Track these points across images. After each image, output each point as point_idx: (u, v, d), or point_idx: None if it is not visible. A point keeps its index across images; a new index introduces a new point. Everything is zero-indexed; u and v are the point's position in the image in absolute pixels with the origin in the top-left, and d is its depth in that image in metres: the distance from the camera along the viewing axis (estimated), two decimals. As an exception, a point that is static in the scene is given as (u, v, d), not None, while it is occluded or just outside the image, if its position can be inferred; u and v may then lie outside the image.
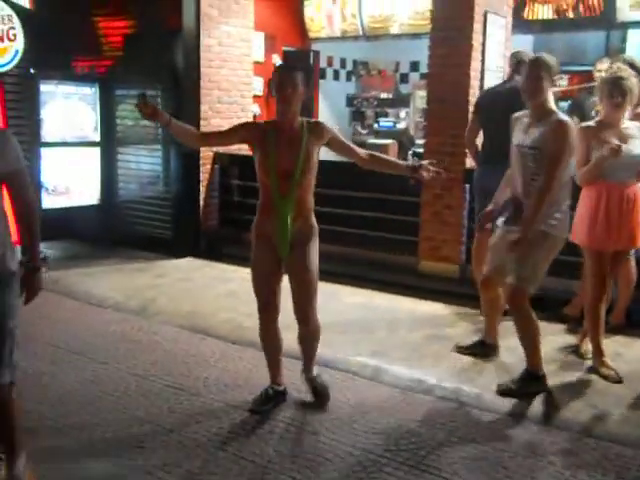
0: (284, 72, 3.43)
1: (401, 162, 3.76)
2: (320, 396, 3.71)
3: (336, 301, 5.45)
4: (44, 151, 6.67)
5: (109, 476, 2.99)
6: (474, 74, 5.39)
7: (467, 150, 5.24)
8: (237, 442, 3.29)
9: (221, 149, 6.68)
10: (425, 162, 3.55)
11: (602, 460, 3.15)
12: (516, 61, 4.77)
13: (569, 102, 7.68)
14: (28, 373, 4.08)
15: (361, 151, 3.64)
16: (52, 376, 4.08)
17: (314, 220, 3.58)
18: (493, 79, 5.55)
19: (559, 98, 7.66)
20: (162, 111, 3.28)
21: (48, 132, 6.71)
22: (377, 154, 3.72)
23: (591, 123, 4.05)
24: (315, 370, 3.81)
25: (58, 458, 3.12)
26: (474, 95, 5.39)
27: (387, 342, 4.57)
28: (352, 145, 3.67)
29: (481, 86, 5.48)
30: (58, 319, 5.15)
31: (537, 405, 3.67)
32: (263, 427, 3.45)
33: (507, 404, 3.69)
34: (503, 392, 3.77)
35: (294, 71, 3.39)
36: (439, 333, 4.73)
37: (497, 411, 3.65)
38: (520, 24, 7.10)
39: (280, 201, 3.39)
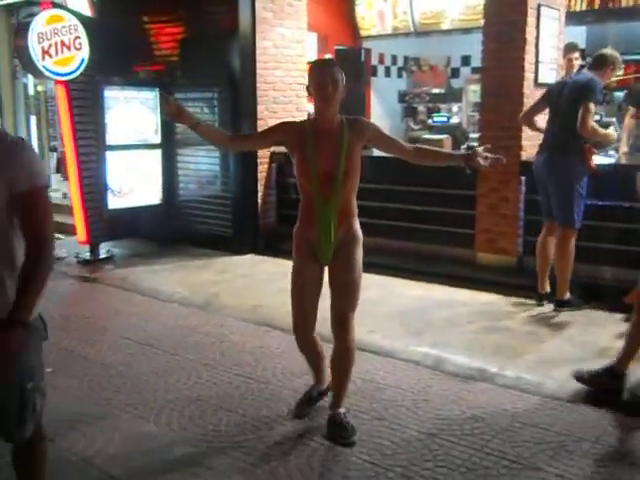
0: (322, 68, 3.21)
1: (454, 152, 3.65)
2: (340, 440, 3.26)
3: (395, 294, 5.58)
4: (109, 154, 6.94)
5: (189, 457, 3.17)
6: (528, 67, 5.43)
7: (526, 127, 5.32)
8: (306, 426, 3.45)
9: (277, 148, 6.85)
10: (480, 148, 3.26)
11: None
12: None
13: (624, 91, 7.64)
14: (105, 364, 4.35)
15: (408, 145, 3.42)
16: (127, 367, 4.31)
17: (358, 226, 3.31)
18: (547, 72, 5.58)
19: (614, 88, 7.63)
20: (188, 112, 3.19)
21: (112, 136, 6.97)
22: (426, 147, 3.53)
23: None
24: (344, 408, 3.40)
25: (138, 442, 3.32)
26: (528, 88, 5.43)
27: (447, 332, 4.67)
28: (398, 140, 3.42)
29: (535, 79, 5.51)
30: (129, 313, 5.41)
31: (599, 393, 3.72)
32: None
33: (568, 392, 3.75)
34: (578, 378, 3.74)
35: (332, 67, 3.19)
36: (497, 324, 4.80)
37: (559, 398, 3.71)
38: (572, 15, 7.08)
39: (323, 206, 3.16)
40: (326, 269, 3.33)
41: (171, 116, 3.14)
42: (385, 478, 2.95)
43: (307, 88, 3.22)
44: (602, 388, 3.66)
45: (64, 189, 10.50)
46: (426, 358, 4.30)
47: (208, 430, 3.42)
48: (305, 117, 7.35)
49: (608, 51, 4.86)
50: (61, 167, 12.07)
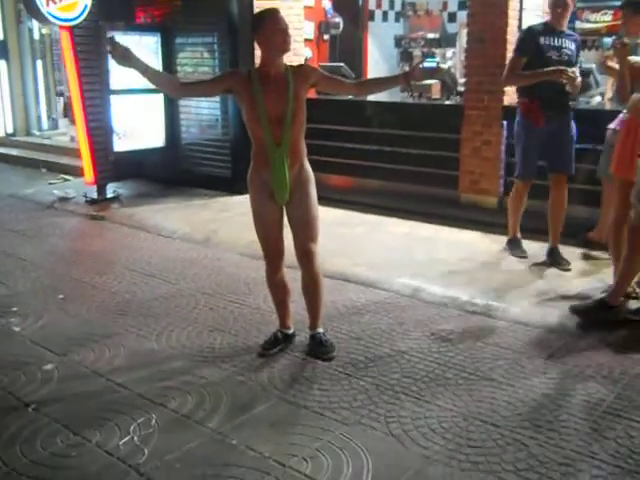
0: (277, 16, 3.31)
1: (393, 75, 3.79)
2: (320, 355, 3.65)
3: (381, 231, 5.95)
4: (113, 98, 7.21)
5: (185, 369, 3.58)
6: (512, 13, 5.63)
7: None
8: (291, 345, 3.86)
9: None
10: (417, 67, 3.40)
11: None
12: None
13: (613, 37, 7.78)
14: (112, 292, 4.76)
15: (351, 82, 3.79)
16: (132, 294, 4.72)
17: (308, 165, 3.55)
18: (531, 18, 5.78)
19: (604, 33, 7.78)
20: (136, 56, 3.24)
21: (116, 80, 7.22)
22: (368, 79, 3.75)
23: None
24: (321, 328, 3.78)
25: (140, 357, 3.74)
26: (512, 34, 5.64)
27: (427, 266, 5.03)
28: (341, 79, 3.73)
29: (519, 25, 5.72)
30: (134, 248, 5.81)
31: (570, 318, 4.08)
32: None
33: (530, 318, 4.13)
34: (574, 310, 4.07)
35: (281, 15, 3.34)
36: (474, 258, 5.17)
37: (521, 322, 4.09)
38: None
39: (275, 149, 3.37)
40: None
41: (119, 59, 3.23)
42: (357, 385, 3.36)
43: (257, 37, 3.33)
44: (596, 319, 3.99)
45: (72, 132, 10.80)
46: (405, 288, 4.68)
47: (203, 348, 3.83)
48: (302, 61, 7.59)
49: None
50: (68, 111, 12.34)
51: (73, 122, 11.44)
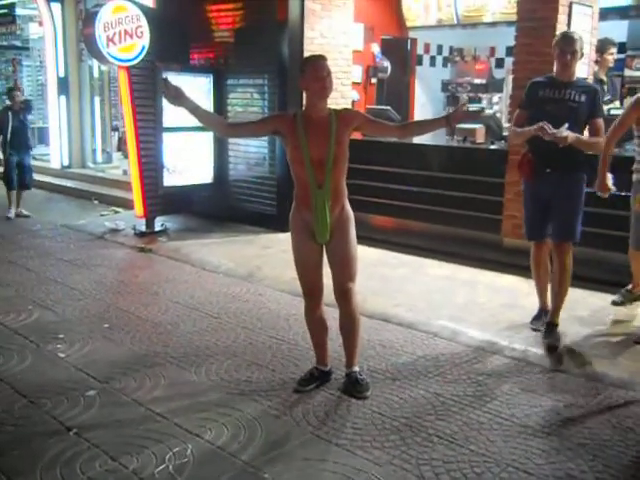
0: (319, 62, 3.45)
1: (434, 118, 3.86)
2: (355, 394, 3.67)
3: (422, 273, 5.98)
4: (165, 135, 7.47)
5: (222, 401, 3.65)
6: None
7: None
8: (327, 383, 3.90)
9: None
10: (458, 109, 3.55)
11: None
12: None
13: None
14: (155, 322, 4.89)
15: (394, 125, 3.86)
16: (175, 326, 4.83)
17: (349, 206, 3.64)
18: (579, 67, 5.79)
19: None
20: (186, 96, 3.40)
21: (168, 118, 7.48)
22: (411, 122, 3.86)
23: None
24: (357, 366, 3.82)
25: (179, 387, 3.83)
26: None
27: (466, 309, 5.03)
28: (384, 122, 3.78)
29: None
30: (178, 281, 5.95)
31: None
32: (350, 372, 4.03)
33: (574, 366, 4.10)
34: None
35: (326, 61, 3.47)
36: (515, 302, 5.14)
37: (563, 371, 4.06)
38: (614, 10, 7.24)
39: (317, 190, 3.46)
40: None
41: (171, 98, 3.39)
42: (390, 425, 3.37)
43: (300, 82, 3.51)
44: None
45: (124, 166, 11.17)
46: (444, 330, 4.69)
47: (241, 381, 3.90)
48: (350, 104, 7.75)
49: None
50: (122, 145, 12.77)
51: (126, 156, 11.93)
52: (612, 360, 4.15)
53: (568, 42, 4.26)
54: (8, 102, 8.98)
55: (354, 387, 3.72)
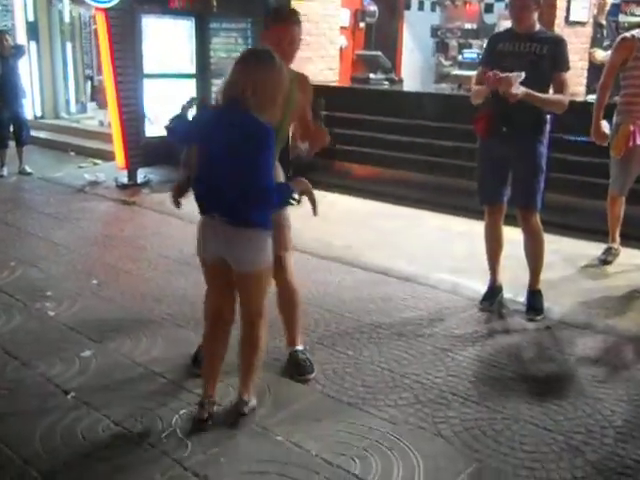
0: (297, 22, 3.20)
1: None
2: (296, 376, 3.33)
3: (418, 225, 5.86)
4: (146, 82, 7.14)
5: (226, 359, 3.49)
6: (560, 4, 5.47)
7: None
8: (326, 335, 3.77)
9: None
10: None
11: None
12: None
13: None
14: (146, 278, 4.70)
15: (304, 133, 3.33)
16: (167, 282, 4.65)
17: None
18: (579, 10, 5.62)
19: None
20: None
21: (149, 65, 7.15)
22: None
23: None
24: (300, 345, 3.46)
25: (177, 345, 3.67)
26: (559, 26, 5.49)
27: (465, 260, 4.91)
28: (310, 120, 3.31)
29: (567, 17, 5.56)
30: (166, 235, 5.74)
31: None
32: (355, 327, 3.91)
33: (581, 318, 4.03)
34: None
35: (295, 23, 3.19)
36: (514, 253, 5.00)
37: (569, 324, 3.99)
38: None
39: None
40: None
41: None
42: (401, 383, 3.27)
43: (262, 36, 3.14)
44: None
45: (100, 117, 10.79)
46: (444, 283, 4.58)
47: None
48: (337, 49, 7.48)
49: None
50: (96, 95, 12.31)
51: (100, 106, 11.51)
52: (620, 313, 4.09)
53: None
54: None
55: (296, 369, 3.36)
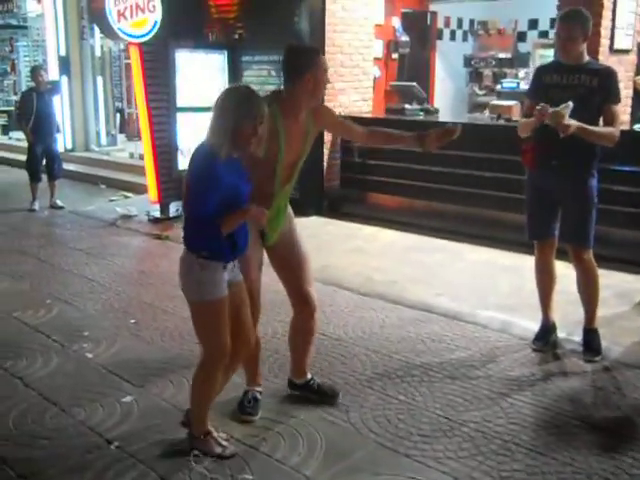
0: (323, 56, 3.04)
1: (406, 134, 3.18)
2: (328, 395, 3.35)
3: (459, 259, 5.69)
4: (179, 116, 7.11)
5: (272, 405, 3.35)
6: (604, 32, 5.34)
7: None
8: (384, 383, 3.60)
9: (344, 111, 6.88)
10: (432, 131, 3.08)
11: None
12: None
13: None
14: (184, 317, 4.56)
15: (362, 129, 3.24)
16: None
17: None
18: (623, 37, 5.48)
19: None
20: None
21: (182, 98, 7.12)
22: (379, 129, 3.31)
23: None
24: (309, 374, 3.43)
25: (224, 392, 3.52)
26: (603, 54, 5.35)
27: (513, 297, 4.73)
28: (352, 124, 3.31)
29: (611, 45, 5.42)
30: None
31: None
32: (404, 370, 3.74)
33: (637, 358, 3.81)
34: None
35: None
36: (565, 289, 4.82)
37: (626, 364, 3.78)
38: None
39: (280, 191, 3.06)
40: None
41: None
42: (460, 432, 3.08)
43: (306, 77, 2.88)
44: None
45: (130, 149, 10.82)
46: (493, 321, 4.40)
47: (286, 381, 3.58)
48: (371, 80, 7.39)
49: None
50: (125, 127, 12.38)
51: (131, 138, 11.56)
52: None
53: (563, 25, 3.72)
54: (32, 83, 8.20)
55: (321, 397, 3.35)
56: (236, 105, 2.57)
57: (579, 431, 3.10)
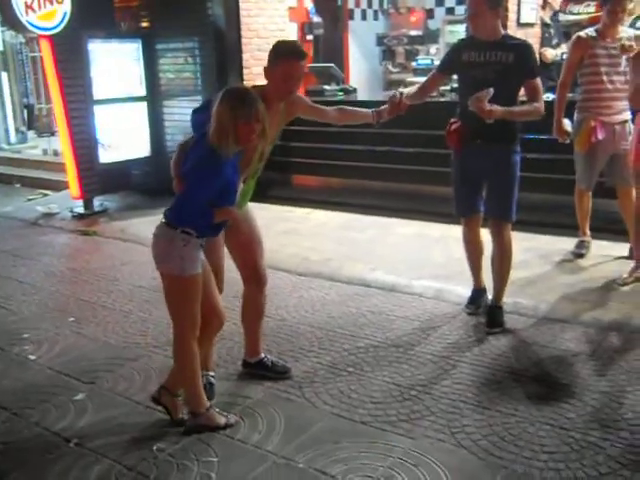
0: (296, 60, 3.06)
1: (366, 110, 3.47)
2: (281, 372, 3.52)
3: (391, 234, 5.86)
4: (96, 108, 6.95)
5: (223, 387, 3.41)
6: (512, 7, 5.58)
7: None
8: (332, 359, 3.72)
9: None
10: (384, 107, 3.43)
11: None
12: None
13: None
14: (125, 311, 4.55)
15: (330, 109, 3.44)
16: (146, 312, 4.51)
17: None
18: (528, 12, 5.75)
19: (586, 25, 7.81)
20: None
21: (98, 89, 6.95)
22: (346, 108, 3.53)
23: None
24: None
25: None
26: (511, 28, 5.59)
27: (444, 266, 4.94)
28: (321, 106, 3.45)
29: (518, 19, 5.68)
30: (135, 263, 5.56)
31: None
32: (350, 343, 3.87)
33: (567, 313, 4.09)
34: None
35: (304, 59, 3.11)
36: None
37: (558, 320, 4.04)
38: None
39: (251, 178, 3.21)
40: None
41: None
42: (409, 395, 3.25)
43: (266, 69, 3.06)
44: None
45: (42, 145, 10.47)
46: (428, 290, 4.59)
47: (238, 365, 3.65)
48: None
49: None
50: (35, 123, 11.94)
51: (41, 134, 11.16)
52: (602, 304, 4.17)
53: (470, 1, 3.82)
54: None
55: (275, 373, 3.52)
56: (232, 107, 2.68)
57: (518, 384, 3.32)
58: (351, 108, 3.56)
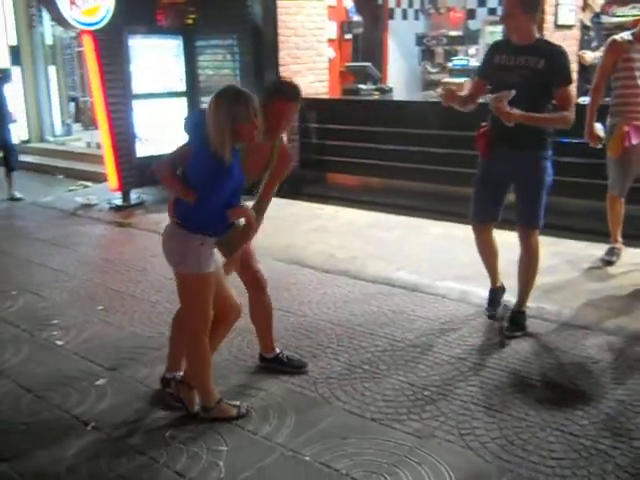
0: (290, 102, 3.10)
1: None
2: (297, 367, 3.57)
3: (418, 234, 5.85)
4: (135, 103, 7.11)
5: (242, 380, 3.48)
6: (549, 9, 5.51)
7: None
8: (348, 357, 3.75)
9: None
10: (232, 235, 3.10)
11: None
12: None
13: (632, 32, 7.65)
14: (152, 301, 4.65)
15: (268, 197, 3.39)
16: (173, 304, 4.50)
17: None
18: (566, 13, 5.67)
19: (630, 27, 7.66)
20: None
21: (138, 84, 7.12)
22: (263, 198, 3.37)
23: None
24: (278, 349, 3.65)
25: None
26: (548, 30, 5.53)
27: (469, 267, 4.89)
28: (271, 187, 3.36)
29: (555, 21, 5.61)
30: (167, 256, 5.67)
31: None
32: (369, 341, 3.90)
33: (591, 320, 4.04)
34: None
35: (297, 101, 3.13)
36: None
37: (580, 326, 3.99)
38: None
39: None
40: None
41: None
42: (422, 395, 3.26)
43: (262, 104, 2.90)
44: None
45: (86, 138, 10.73)
46: (451, 291, 4.58)
47: (256, 358, 3.71)
48: (326, 62, 7.48)
49: None
50: (81, 116, 12.26)
51: (87, 127, 11.45)
52: (628, 313, 4.10)
53: (503, 1, 3.76)
54: None
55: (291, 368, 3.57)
56: (229, 108, 2.68)
57: (533, 389, 3.30)
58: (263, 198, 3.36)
